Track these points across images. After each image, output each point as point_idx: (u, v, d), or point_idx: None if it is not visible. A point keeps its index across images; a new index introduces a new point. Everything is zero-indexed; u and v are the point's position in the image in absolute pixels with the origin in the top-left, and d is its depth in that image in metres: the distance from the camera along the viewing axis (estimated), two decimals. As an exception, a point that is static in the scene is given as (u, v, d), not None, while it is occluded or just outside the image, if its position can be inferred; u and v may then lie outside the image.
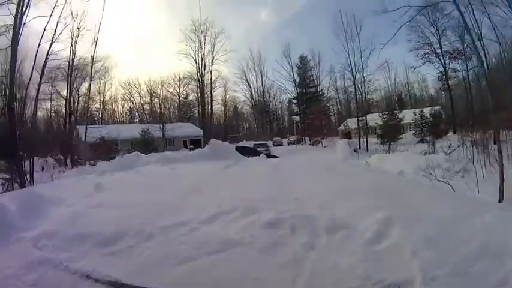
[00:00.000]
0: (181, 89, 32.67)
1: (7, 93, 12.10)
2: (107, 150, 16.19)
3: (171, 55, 54.27)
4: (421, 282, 1.58)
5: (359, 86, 20.96)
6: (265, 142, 21.20)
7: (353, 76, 21.18)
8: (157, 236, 2.46)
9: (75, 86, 20.50)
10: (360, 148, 16.67)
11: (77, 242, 2.41)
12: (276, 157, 13.65)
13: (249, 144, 18.87)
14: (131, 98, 35.51)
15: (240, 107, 35.77)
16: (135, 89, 35.02)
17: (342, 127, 24.71)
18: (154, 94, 31.75)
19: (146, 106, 34.81)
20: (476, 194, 5.52)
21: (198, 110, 30.99)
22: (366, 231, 2.23)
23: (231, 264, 1.95)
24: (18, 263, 2.03)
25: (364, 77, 20.71)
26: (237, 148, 12.59)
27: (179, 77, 32.27)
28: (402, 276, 1.66)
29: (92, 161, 13.41)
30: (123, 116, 36.27)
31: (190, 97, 32.86)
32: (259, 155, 13.52)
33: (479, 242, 1.90)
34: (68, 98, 19.52)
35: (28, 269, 1.95)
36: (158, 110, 30.65)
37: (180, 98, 32.76)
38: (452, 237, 2.03)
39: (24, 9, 12.26)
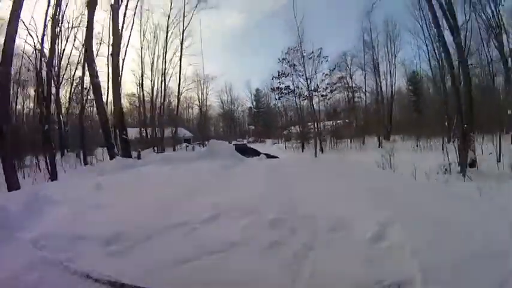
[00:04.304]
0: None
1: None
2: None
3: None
4: (421, 282, 1.58)
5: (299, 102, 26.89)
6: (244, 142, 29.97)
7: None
8: (158, 236, 2.46)
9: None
10: (278, 143, 30.60)
11: (77, 242, 2.41)
12: (275, 157, 13.64)
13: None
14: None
15: (210, 113, 44.36)
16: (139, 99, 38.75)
17: (285, 132, 33.11)
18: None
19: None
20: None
21: (191, 120, 41.11)
22: (366, 231, 2.22)
23: (231, 264, 1.95)
24: (18, 263, 2.03)
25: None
26: (237, 148, 12.58)
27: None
28: (402, 276, 1.66)
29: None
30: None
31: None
32: (259, 155, 13.53)
33: (479, 242, 1.91)
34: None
35: (28, 269, 1.95)
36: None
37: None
38: (452, 237, 2.03)
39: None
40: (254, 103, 46.50)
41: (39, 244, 2.39)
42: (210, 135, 33.38)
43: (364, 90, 25.90)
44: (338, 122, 27.13)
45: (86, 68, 14.06)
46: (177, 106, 23.03)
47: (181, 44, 20.97)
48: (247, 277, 1.80)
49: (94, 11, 11.85)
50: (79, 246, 2.34)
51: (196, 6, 20.59)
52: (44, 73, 12.64)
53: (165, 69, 21.53)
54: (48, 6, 12.90)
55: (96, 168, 9.18)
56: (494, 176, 6.72)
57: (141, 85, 22.38)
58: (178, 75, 21.71)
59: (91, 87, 13.55)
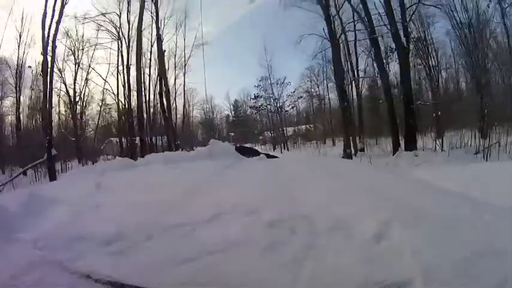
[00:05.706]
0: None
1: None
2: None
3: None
4: (421, 282, 1.58)
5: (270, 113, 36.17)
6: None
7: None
8: (158, 235, 2.46)
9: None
10: (255, 146, 32.89)
11: (77, 242, 2.41)
12: (275, 157, 13.62)
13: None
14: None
15: (191, 120, 46.32)
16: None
17: (261, 137, 40.90)
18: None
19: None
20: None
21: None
22: (366, 231, 2.22)
23: (231, 264, 1.95)
24: (18, 263, 2.04)
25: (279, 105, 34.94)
26: (236, 148, 12.56)
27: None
28: (402, 276, 1.66)
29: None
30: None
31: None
32: (259, 155, 13.51)
33: (479, 242, 1.90)
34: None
35: (28, 269, 1.96)
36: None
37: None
38: (452, 237, 2.02)
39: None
40: (233, 112, 51.27)
41: (39, 244, 2.40)
42: (193, 142, 35.24)
43: (329, 98, 33.29)
44: (306, 126, 36.34)
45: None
46: (183, 123, 29.44)
47: (184, 75, 26.56)
48: (247, 277, 1.80)
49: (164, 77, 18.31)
50: (79, 246, 2.34)
51: (193, 46, 25.06)
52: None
53: (175, 97, 26.82)
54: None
55: (96, 168, 9.17)
56: (367, 155, 13.45)
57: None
58: (182, 99, 27.83)
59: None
